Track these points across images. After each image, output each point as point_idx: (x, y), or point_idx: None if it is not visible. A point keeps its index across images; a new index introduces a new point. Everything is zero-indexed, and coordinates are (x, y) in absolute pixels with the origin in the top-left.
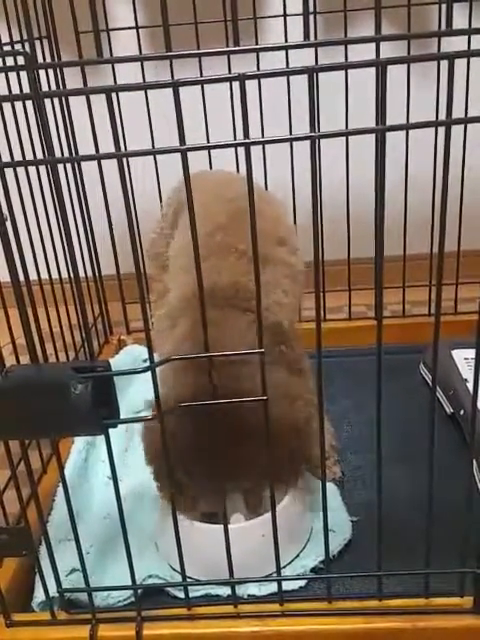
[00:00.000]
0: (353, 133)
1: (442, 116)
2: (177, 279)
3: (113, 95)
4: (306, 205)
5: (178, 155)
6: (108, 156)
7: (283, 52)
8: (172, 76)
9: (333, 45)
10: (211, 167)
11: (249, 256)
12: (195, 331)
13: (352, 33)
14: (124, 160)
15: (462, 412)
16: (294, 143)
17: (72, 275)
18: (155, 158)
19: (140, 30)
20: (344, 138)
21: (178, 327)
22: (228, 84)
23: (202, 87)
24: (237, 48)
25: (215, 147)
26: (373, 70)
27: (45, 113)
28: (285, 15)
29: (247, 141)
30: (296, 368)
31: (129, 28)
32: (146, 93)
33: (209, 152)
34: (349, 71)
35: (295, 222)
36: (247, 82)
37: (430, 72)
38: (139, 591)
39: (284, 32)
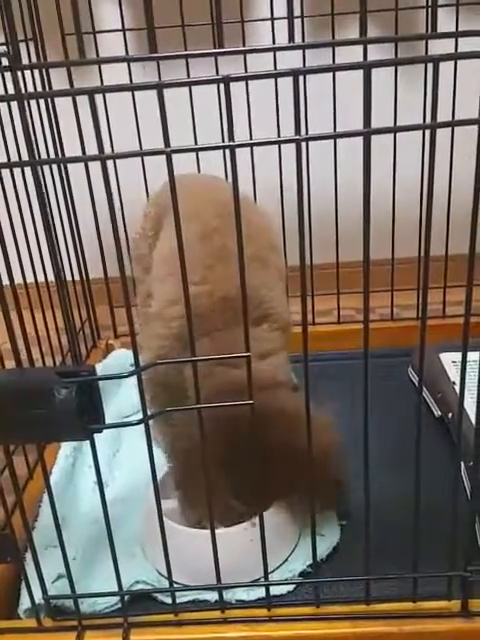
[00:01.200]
0: (339, 136)
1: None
2: (177, 288)
3: (99, 97)
4: (295, 208)
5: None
6: (92, 158)
7: (271, 56)
8: (160, 79)
9: (319, 47)
10: (199, 171)
11: (251, 258)
12: (216, 349)
13: (340, 37)
14: (108, 162)
15: (450, 415)
16: (282, 146)
17: (57, 277)
18: (143, 161)
19: (127, 33)
20: (332, 141)
21: (201, 343)
22: (216, 87)
23: (189, 89)
24: (223, 50)
25: (200, 149)
26: (361, 73)
27: (28, 114)
28: (272, 19)
29: (232, 144)
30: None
31: (115, 31)
32: (133, 95)
33: (197, 155)
34: (337, 75)
35: (283, 225)
36: (235, 85)
37: (417, 77)
38: (126, 597)
39: (271, 36)
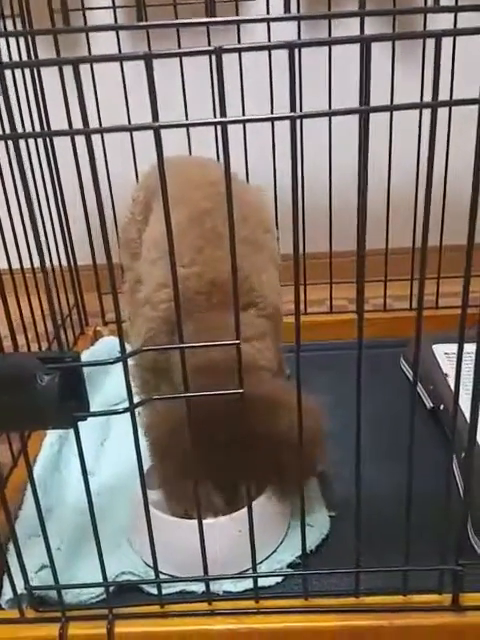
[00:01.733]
0: (336, 113)
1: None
2: (165, 273)
3: (87, 75)
4: (287, 193)
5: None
6: (77, 132)
7: (264, 34)
8: (149, 45)
9: (316, 19)
10: (190, 150)
11: (244, 241)
12: (199, 331)
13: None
14: (96, 143)
15: (442, 407)
16: (276, 127)
17: (40, 260)
18: (132, 139)
19: (118, 11)
20: (327, 124)
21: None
22: (208, 62)
23: (180, 63)
24: (215, 19)
25: (190, 125)
26: (357, 51)
27: (5, 84)
28: None
29: (224, 120)
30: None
31: (105, 8)
32: (122, 68)
33: (188, 131)
34: (333, 54)
35: (276, 209)
36: (229, 62)
37: (413, 57)
38: (111, 588)
39: (266, 11)
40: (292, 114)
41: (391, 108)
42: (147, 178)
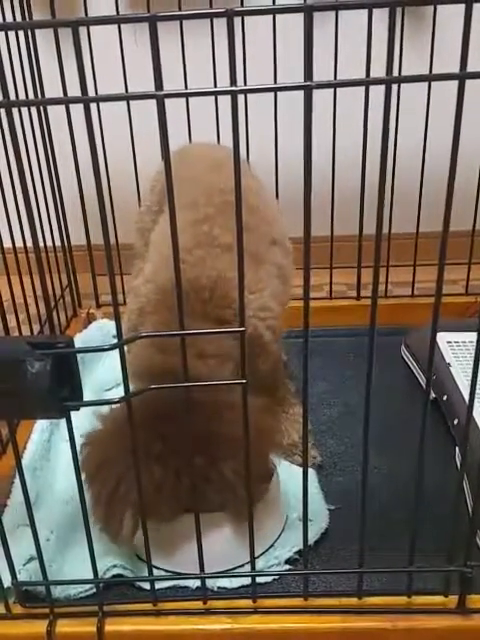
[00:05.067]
0: (355, 83)
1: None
2: (156, 268)
3: (83, 34)
4: (289, 173)
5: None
6: (73, 100)
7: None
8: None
9: None
10: (189, 121)
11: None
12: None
13: None
14: (93, 108)
15: (445, 397)
16: (279, 103)
17: (33, 238)
18: (129, 110)
19: None
20: (330, 106)
21: (146, 327)
22: (210, 36)
23: (181, 27)
24: None
25: (196, 94)
26: (364, 24)
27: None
28: None
29: (234, 89)
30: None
31: None
32: (120, 36)
33: (187, 103)
34: (340, 27)
35: (277, 191)
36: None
37: (422, 31)
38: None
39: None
40: (309, 83)
41: (420, 79)
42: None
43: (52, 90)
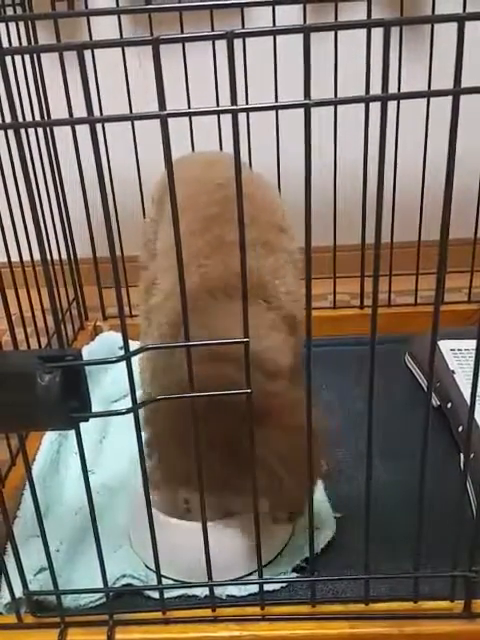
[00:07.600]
0: (352, 101)
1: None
2: (173, 281)
3: (88, 56)
4: (290, 184)
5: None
6: (80, 121)
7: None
8: (151, 32)
9: (323, 2)
10: (192, 139)
11: (254, 243)
12: (204, 330)
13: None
14: (98, 126)
15: (449, 405)
16: (280, 117)
17: (41, 253)
18: (133, 129)
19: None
20: (328, 116)
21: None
22: (212, 55)
23: (183, 48)
24: (221, 2)
25: (199, 113)
26: (363, 40)
27: (6, 71)
28: None
29: (234, 108)
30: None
31: None
32: (124, 56)
33: (190, 120)
34: (338, 44)
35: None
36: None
37: (420, 45)
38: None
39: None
40: (307, 102)
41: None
42: (160, 181)
43: (58, 105)
